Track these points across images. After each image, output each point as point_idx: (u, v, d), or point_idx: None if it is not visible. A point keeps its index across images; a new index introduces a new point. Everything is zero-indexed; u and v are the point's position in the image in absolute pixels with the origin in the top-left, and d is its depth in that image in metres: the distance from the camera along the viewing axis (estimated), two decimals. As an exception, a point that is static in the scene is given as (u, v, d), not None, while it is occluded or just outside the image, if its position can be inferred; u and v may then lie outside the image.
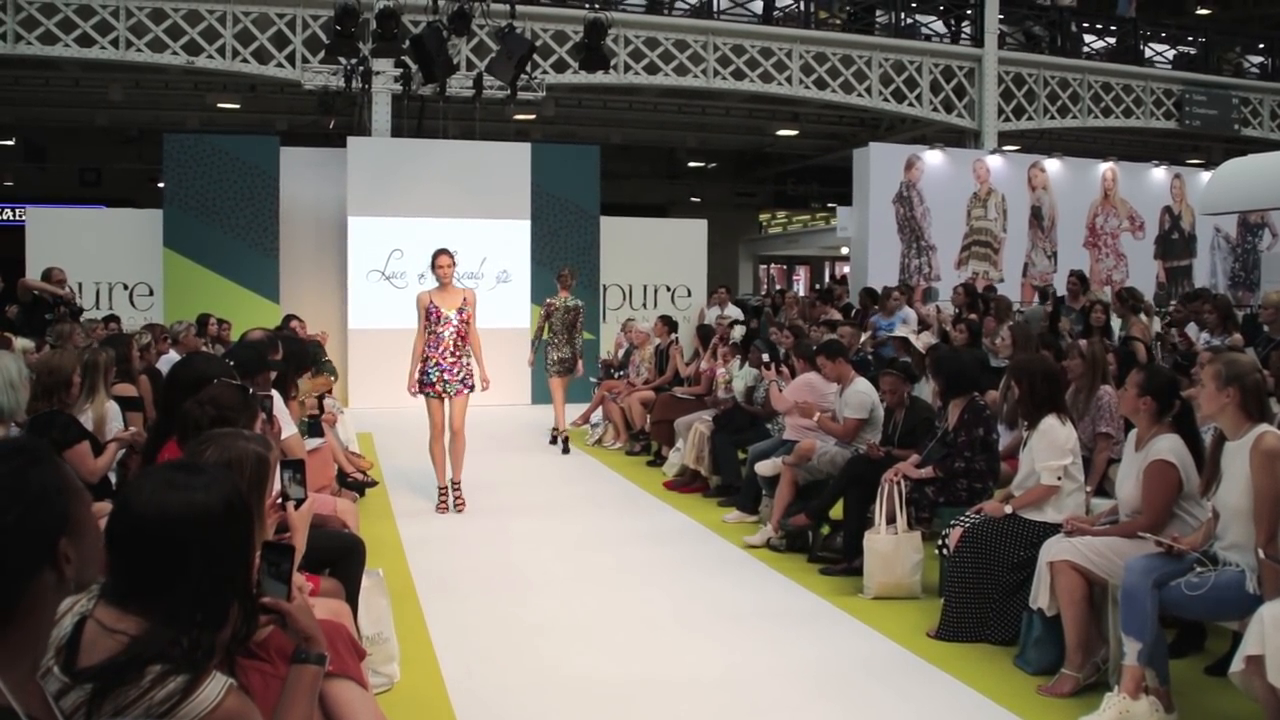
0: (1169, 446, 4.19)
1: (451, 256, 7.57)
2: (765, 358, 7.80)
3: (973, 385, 5.76)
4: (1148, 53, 19.02)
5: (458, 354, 7.48)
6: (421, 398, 7.58)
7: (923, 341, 8.61)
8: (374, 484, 8.10)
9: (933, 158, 16.76)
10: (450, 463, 7.59)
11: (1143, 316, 9.81)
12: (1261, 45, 20.35)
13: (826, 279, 29.15)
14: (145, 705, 1.80)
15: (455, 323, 7.45)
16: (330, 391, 8.37)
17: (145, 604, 1.93)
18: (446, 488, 7.67)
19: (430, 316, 7.45)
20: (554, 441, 10.52)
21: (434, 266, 7.55)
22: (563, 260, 13.73)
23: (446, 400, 7.48)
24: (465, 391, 7.51)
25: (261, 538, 2.64)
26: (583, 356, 10.63)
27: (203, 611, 1.98)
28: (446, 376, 7.42)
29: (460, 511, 7.49)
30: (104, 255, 13.31)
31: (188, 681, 1.85)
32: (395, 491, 8.22)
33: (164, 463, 2.89)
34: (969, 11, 17.55)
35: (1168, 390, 4.31)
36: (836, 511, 6.19)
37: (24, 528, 1.50)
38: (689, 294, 15.28)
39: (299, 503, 3.22)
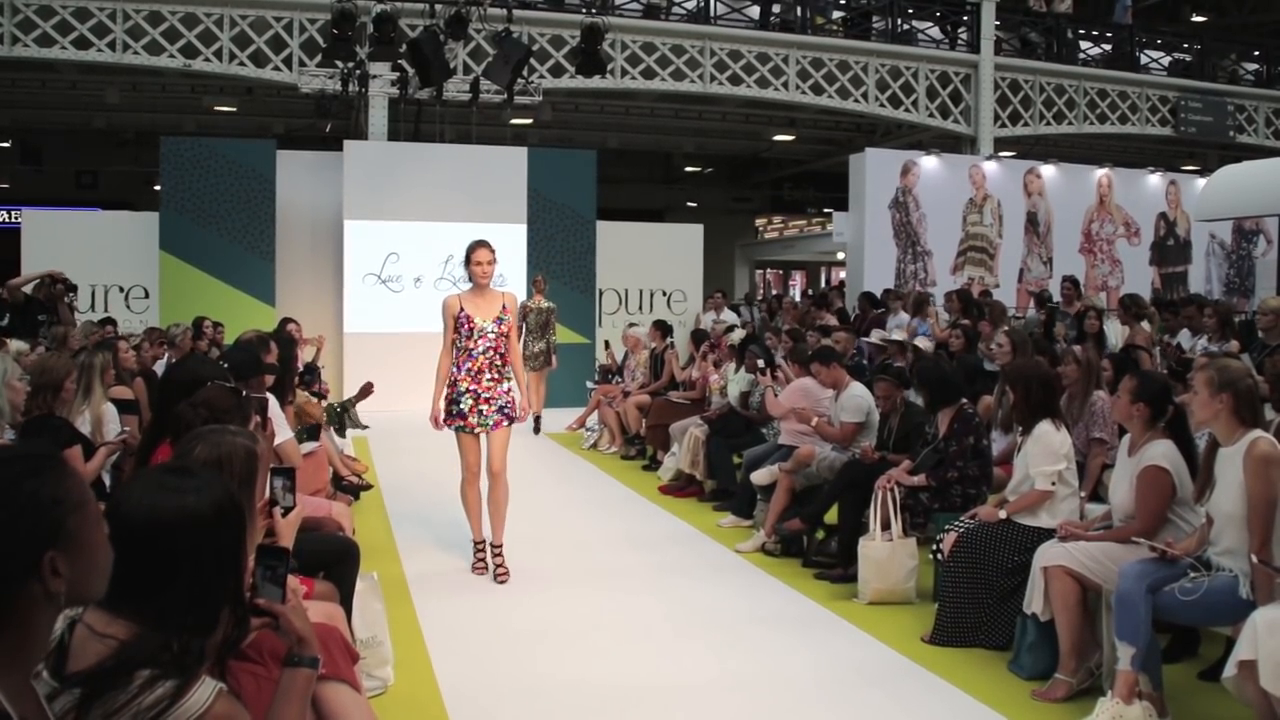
0: (1162, 452, 4.19)
1: (492, 250, 5.91)
2: (760, 363, 7.81)
3: (958, 394, 5.75)
4: (1143, 59, 19.08)
5: (497, 376, 5.84)
6: (449, 431, 5.94)
7: (925, 346, 8.63)
8: (369, 487, 8.09)
9: (929, 163, 16.79)
10: (489, 517, 5.95)
11: (1145, 324, 9.83)
12: (1256, 52, 20.42)
13: (823, 284, 29.19)
14: (133, 710, 1.80)
15: (492, 335, 5.82)
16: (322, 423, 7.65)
17: (135, 608, 1.93)
18: (484, 543, 6.06)
19: (461, 328, 5.82)
20: (537, 431, 11.54)
21: (469, 262, 5.90)
22: (559, 265, 13.84)
23: (483, 435, 5.88)
24: (505, 424, 5.86)
25: (252, 536, 2.64)
26: (555, 352, 11.76)
27: (193, 616, 1.97)
28: (482, 406, 5.78)
29: (502, 582, 5.80)
30: (100, 258, 13.28)
31: (177, 686, 1.84)
32: (390, 495, 8.21)
33: (156, 465, 2.89)
34: (965, 17, 17.60)
35: (1160, 396, 4.32)
36: (831, 516, 6.19)
37: (3, 538, 1.49)
38: (685, 298, 15.29)
39: (286, 510, 3.22)
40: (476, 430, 5.82)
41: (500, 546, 5.94)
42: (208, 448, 2.77)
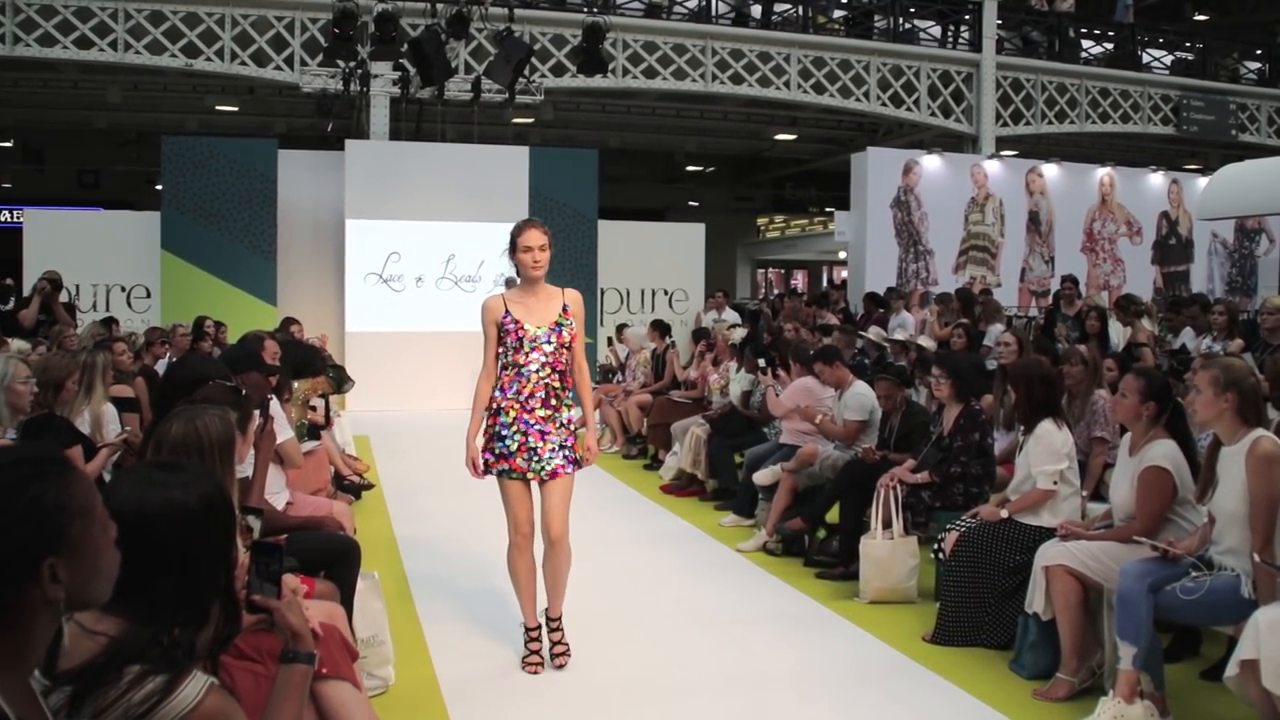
0: (1164, 452, 4.19)
1: (545, 232, 4.40)
2: (760, 363, 7.80)
3: (975, 389, 5.80)
4: (1145, 58, 19.06)
5: (555, 404, 4.36)
6: (489, 477, 4.44)
7: (928, 345, 8.64)
8: (370, 487, 8.10)
9: (931, 162, 16.78)
10: (545, 586, 4.52)
11: (1145, 321, 9.82)
12: (1259, 51, 20.40)
13: (825, 283, 29.19)
14: (124, 706, 1.79)
15: (549, 349, 4.34)
16: (327, 395, 7.78)
17: (124, 604, 1.92)
18: (539, 628, 4.55)
19: (506, 338, 4.37)
20: None
21: (514, 250, 4.41)
22: (561, 264, 13.76)
23: (536, 482, 4.40)
24: (567, 470, 4.38)
25: (233, 485, 2.64)
26: None
27: (183, 610, 1.97)
28: (534, 442, 4.31)
29: (561, 667, 4.46)
30: (102, 257, 13.29)
31: (167, 681, 1.84)
32: (391, 494, 8.21)
33: (145, 461, 2.90)
34: (967, 16, 17.59)
35: (1165, 393, 4.33)
36: (833, 516, 6.19)
37: (2, 542, 1.48)
38: (686, 298, 15.30)
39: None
40: (528, 476, 4.35)
41: (559, 619, 4.50)
42: (181, 424, 2.80)
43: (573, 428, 4.41)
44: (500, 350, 4.39)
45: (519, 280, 4.46)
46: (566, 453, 4.36)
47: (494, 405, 4.37)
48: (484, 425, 4.40)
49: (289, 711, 2.24)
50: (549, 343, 4.33)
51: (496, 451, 4.34)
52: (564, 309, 4.41)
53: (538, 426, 4.31)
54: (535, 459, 4.31)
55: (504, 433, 4.32)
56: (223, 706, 1.90)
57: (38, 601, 1.52)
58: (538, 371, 4.32)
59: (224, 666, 2.47)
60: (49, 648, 1.84)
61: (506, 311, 4.38)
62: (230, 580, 2.16)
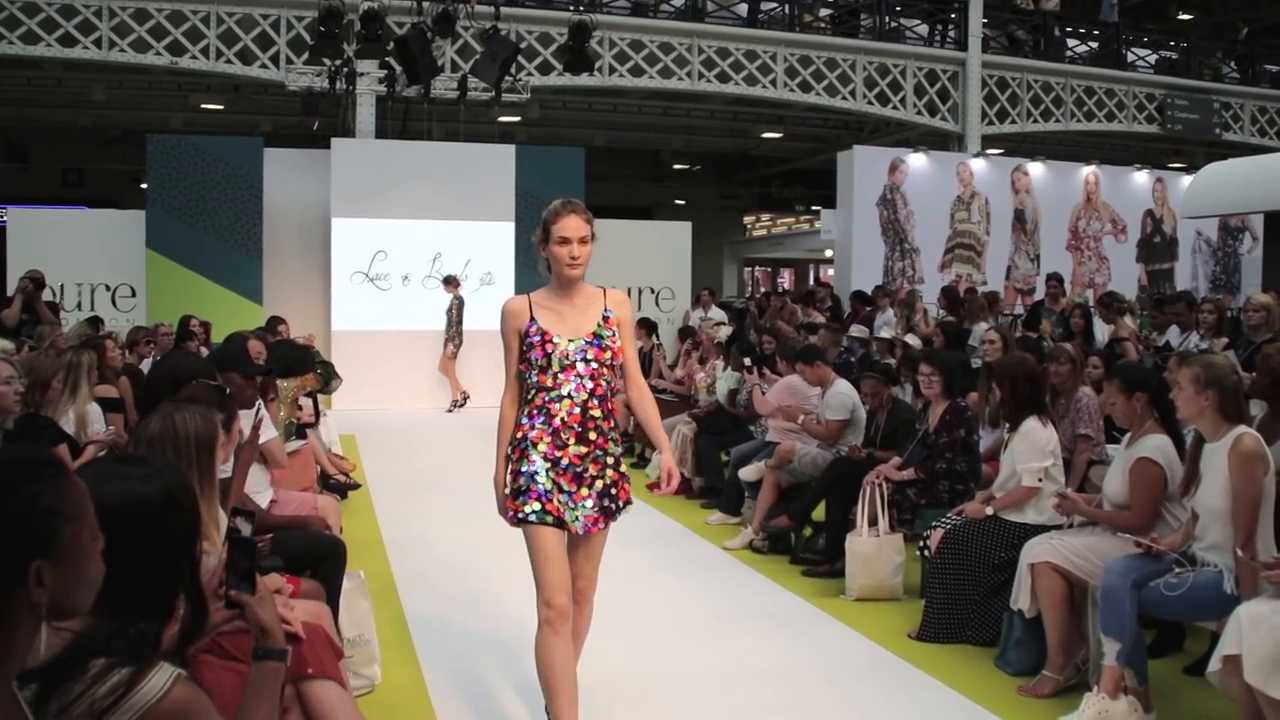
0: (1155, 445, 4.21)
1: (588, 220, 3.54)
2: (747, 361, 7.81)
3: (963, 387, 5.82)
4: (1130, 57, 19.14)
5: (594, 439, 3.43)
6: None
7: (915, 343, 8.68)
8: (356, 486, 8.08)
9: (916, 161, 16.82)
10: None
11: (1127, 319, 9.87)
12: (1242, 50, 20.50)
13: (811, 281, 29.23)
14: (89, 700, 1.77)
15: (587, 367, 3.43)
16: (314, 393, 7.67)
17: None
18: None
19: (530, 352, 3.44)
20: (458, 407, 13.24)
21: (547, 239, 3.51)
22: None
23: (571, 532, 3.48)
24: (605, 524, 3.53)
25: (210, 509, 2.61)
26: (452, 341, 13.38)
27: (145, 603, 1.96)
28: (570, 488, 3.42)
29: None
30: (86, 256, 13.22)
31: (132, 674, 1.81)
32: (377, 494, 8.20)
33: (108, 455, 2.90)
34: (953, 15, 17.63)
35: (1148, 378, 4.37)
36: (819, 513, 6.20)
37: None
38: (673, 296, 15.30)
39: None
40: (564, 520, 3.43)
41: None
42: (159, 420, 2.79)
43: (622, 468, 3.54)
44: (526, 369, 3.46)
45: (554, 277, 3.56)
46: (607, 502, 3.46)
47: (519, 434, 3.45)
48: (509, 464, 3.50)
49: (262, 708, 2.23)
50: (585, 360, 3.41)
51: (523, 489, 3.41)
52: (604, 317, 3.48)
53: (574, 467, 3.40)
54: (571, 506, 3.41)
55: (535, 470, 3.40)
56: (190, 697, 1.87)
57: (21, 605, 1.50)
58: (571, 397, 3.39)
59: (207, 665, 2.47)
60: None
61: (532, 319, 3.45)
62: (195, 573, 2.14)
